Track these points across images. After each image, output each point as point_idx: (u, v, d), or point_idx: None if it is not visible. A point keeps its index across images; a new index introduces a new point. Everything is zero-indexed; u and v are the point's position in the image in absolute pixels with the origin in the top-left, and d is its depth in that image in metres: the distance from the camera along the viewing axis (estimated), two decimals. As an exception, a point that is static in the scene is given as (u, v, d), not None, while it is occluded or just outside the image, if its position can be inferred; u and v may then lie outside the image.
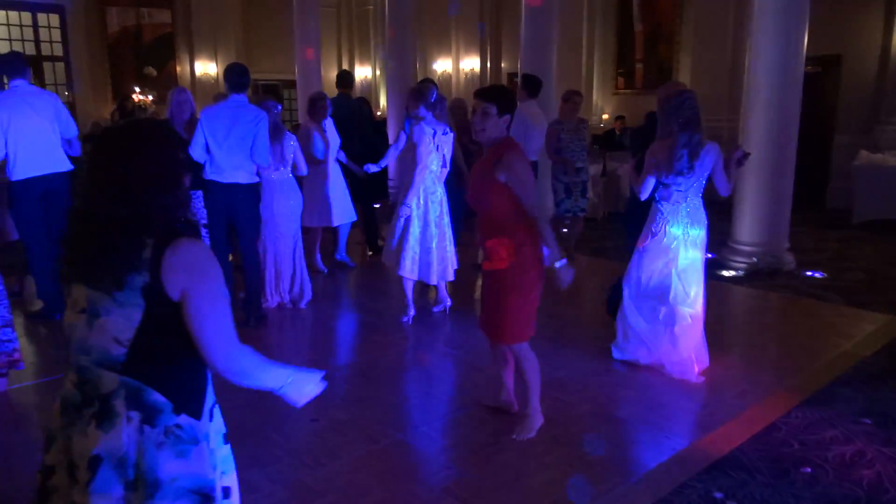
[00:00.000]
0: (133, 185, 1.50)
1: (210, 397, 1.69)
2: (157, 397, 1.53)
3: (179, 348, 1.55)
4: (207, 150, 4.60)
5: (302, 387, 1.74)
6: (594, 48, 12.89)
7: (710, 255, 6.88)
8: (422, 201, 4.76)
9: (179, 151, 1.62)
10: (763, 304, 5.66)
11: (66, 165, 4.91)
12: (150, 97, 14.35)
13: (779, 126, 6.31)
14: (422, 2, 14.21)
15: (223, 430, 1.75)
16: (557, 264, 2.97)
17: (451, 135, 4.96)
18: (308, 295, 5.38)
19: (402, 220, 4.77)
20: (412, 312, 5.04)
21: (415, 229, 4.77)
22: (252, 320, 4.82)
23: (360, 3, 17.44)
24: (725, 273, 6.48)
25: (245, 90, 4.69)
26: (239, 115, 4.60)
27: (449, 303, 5.21)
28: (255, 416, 3.35)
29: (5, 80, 4.89)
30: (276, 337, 4.90)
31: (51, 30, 14.39)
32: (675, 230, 3.82)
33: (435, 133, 4.71)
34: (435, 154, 4.74)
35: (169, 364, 1.56)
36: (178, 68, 15.63)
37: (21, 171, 4.69)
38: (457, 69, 15.19)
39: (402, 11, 10.65)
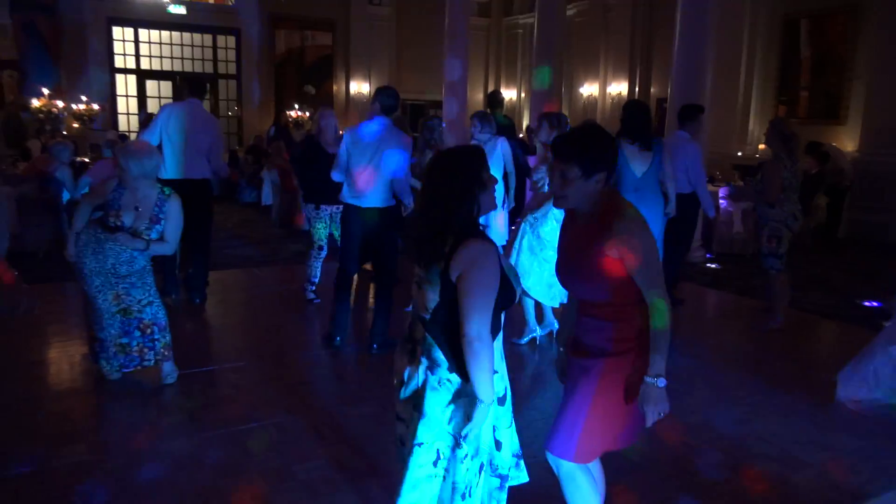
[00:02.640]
0: (443, 197, 1.94)
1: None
2: (440, 355, 1.98)
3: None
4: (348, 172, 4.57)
5: (486, 416, 1.93)
6: (753, 73, 12.18)
7: (874, 304, 6.25)
8: (557, 225, 4.71)
9: (481, 174, 1.97)
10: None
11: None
12: (308, 113, 15.33)
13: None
14: (571, 25, 14.16)
15: (500, 393, 2.08)
16: (659, 382, 2.01)
17: None
18: None
19: (522, 239, 4.74)
20: (533, 334, 4.93)
21: (536, 246, 4.70)
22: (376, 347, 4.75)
23: (510, 27, 17.66)
24: None
25: (393, 113, 4.63)
26: (384, 137, 4.52)
27: (555, 327, 5.03)
28: (387, 431, 3.43)
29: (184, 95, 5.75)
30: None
31: (227, 50, 15.82)
32: None
33: None
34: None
35: (451, 334, 1.94)
36: (335, 87, 16.59)
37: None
38: (603, 93, 14.93)
39: (550, 34, 10.65)
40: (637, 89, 14.33)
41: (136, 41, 15.01)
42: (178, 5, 14.55)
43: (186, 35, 15.34)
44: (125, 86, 15.07)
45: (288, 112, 15.53)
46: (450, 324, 1.94)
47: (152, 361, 3.93)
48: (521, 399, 4.11)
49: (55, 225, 7.61)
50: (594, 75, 15.10)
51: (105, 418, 3.66)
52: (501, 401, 2.10)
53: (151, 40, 15.17)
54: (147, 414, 3.69)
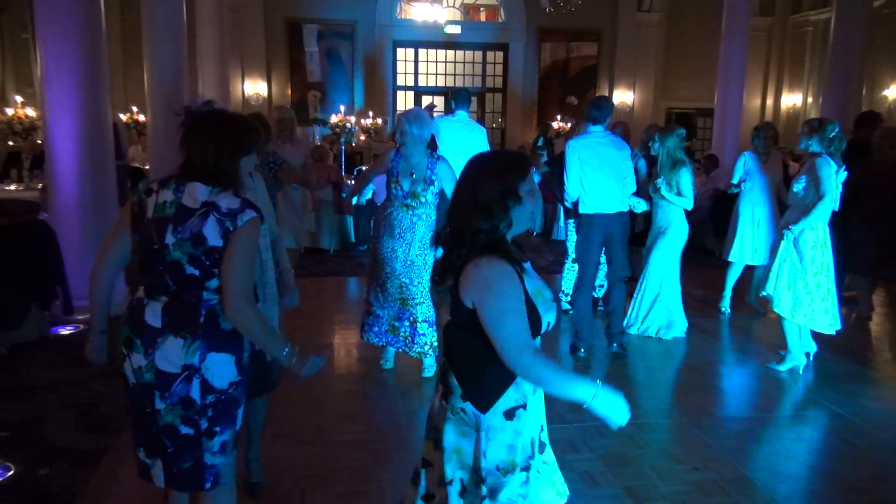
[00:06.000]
0: (467, 206, 1.71)
1: (511, 401, 1.74)
2: (454, 381, 1.77)
3: (478, 347, 1.70)
4: (582, 184, 4.62)
5: (611, 404, 1.67)
6: None
7: None
8: (817, 240, 4.34)
9: (519, 186, 1.71)
10: None
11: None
12: (569, 124, 15.40)
13: None
14: (875, 18, 12.34)
15: (533, 436, 1.80)
16: None
17: (846, 174, 4.45)
18: (676, 326, 5.22)
19: (782, 259, 4.42)
20: (795, 363, 4.50)
21: (800, 267, 4.35)
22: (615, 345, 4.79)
23: (797, 24, 15.95)
24: None
25: (601, 123, 4.62)
26: (606, 146, 4.61)
27: (813, 349, 4.64)
28: (642, 454, 3.33)
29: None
30: (644, 373, 4.71)
31: (495, 65, 16.57)
32: None
33: (838, 171, 4.32)
34: (833, 191, 4.34)
35: (466, 357, 1.75)
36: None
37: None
38: (915, 95, 12.75)
39: (850, 30, 9.38)
40: (963, 89, 11.98)
41: (416, 60, 16.40)
42: (453, 25, 15.59)
43: (459, 52, 16.37)
44: (404, 101, 16.55)
45: (550, 123, 15.76)
46: (462, 346, 1.74)
47: (414, 353, 4.23)
48: (780, 428, 3.74)
49: (343, 227, 8.61)
50: (904, 74, 12.95)
51: (375, 402, 4.01)
52: (540, 449, 1.87)
53: (428, 59, 16.48)
54: (410, 403, 3.98)
